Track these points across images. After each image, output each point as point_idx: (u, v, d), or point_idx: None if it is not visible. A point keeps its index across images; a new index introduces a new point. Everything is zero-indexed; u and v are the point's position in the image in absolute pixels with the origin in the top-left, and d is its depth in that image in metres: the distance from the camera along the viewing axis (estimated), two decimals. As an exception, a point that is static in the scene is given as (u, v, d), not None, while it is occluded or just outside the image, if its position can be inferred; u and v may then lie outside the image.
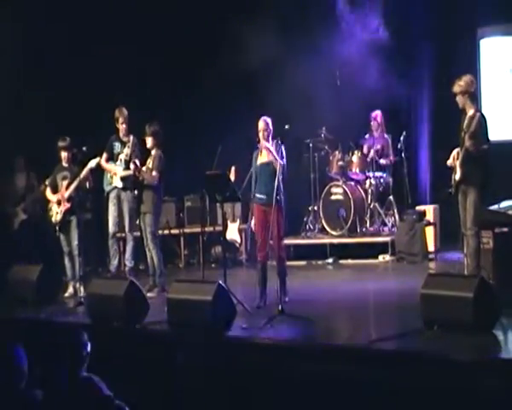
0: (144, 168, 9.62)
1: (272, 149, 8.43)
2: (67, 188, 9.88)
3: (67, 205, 9.84)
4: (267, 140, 8.50)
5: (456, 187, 8.09)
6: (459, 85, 8.06)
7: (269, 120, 8.57)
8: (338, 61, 11.80)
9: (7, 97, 11.24)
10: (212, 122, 12.06)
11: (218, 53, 11.85)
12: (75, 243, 9.76)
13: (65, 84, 11.58)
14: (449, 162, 8.17)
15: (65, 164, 10.04)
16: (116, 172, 10.00)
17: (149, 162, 9.65)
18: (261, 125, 8.55)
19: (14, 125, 11.25)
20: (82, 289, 9.44)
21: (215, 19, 12.14)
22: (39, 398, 4.99)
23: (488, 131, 8.06)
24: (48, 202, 10.10)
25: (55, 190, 10.05)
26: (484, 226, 7.90)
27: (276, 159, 8.31)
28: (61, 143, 9.99)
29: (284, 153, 8.41)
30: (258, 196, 8.54)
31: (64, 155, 9.97)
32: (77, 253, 9.72)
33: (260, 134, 8.53)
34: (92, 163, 9.76)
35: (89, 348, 5.18)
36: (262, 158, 8.56)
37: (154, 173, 9.60)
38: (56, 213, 9.89)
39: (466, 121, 8.04)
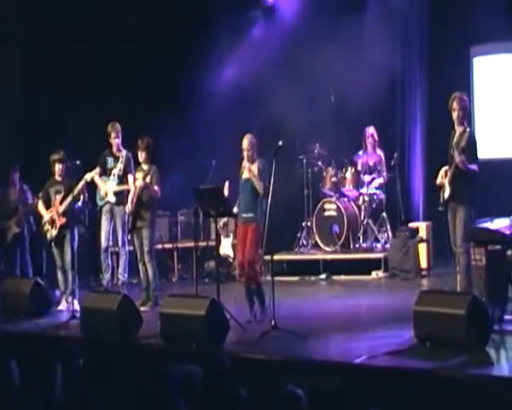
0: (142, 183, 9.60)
1: (254, 171, 8.47)
2: (62, 202, 9.88)
3: (63, 220, 9.83)
4: (251, 159, 8.56)
5: (445, 205, 8.13)
6: (457, 99, 8.09)
7: (252, 139, 8.61)
8: (332, 77, 11.84)
9: (2, 113, 11.26)
10: (206, 137, 12.09)
11: (211, 67, 11.90)
12: (68, 256, 9.76)
13: (60, 98, 11.61)
14: (437, 181, 8.21)
15: (58, 178, 10.04)
16: (107, 191, 9.98)
17: (145, 177, 9.60)
18: (244, 144, 8.60)
19: (9, 138, 11.26)
20: (75, 302, 9.42)
21: (206, 35, 12.19)
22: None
23: (477, 149, 8.12)
24: (41, 216, 10.10)
25: (47, 204, 10.04)
26: (476, 244, 7.93)
27: (257, 181, 8.39)
28: (54, 156, 10.00)
29: (266, 171, 8.36)
30: (240, 213, 8.61)
31: (58, 167, 9.97)
32: (70, 267, 9.72)
33: (244, 153, 8.59)
34: (88, 177, 9.78)
35: (80, 362, 5.19)
36: (244, 174, 8.62)
37: (155, 188, 9.61)
38: (52, 228, 9.89)
39: (456, 138, 8.09)
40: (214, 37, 12.01)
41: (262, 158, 8.57)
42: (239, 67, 11.55)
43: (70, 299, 9.67)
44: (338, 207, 11.98)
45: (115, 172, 10.01)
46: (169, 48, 12.39)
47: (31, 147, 11.23)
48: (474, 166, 8.00)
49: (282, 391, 4.57)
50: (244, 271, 8.57)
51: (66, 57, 11.90)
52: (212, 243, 11.41)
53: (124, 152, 10.06)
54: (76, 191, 9.74)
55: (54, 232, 9.87)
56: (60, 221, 9.84)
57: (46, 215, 9.97)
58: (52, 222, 9.90)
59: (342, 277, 11.56)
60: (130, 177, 9.86)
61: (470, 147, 8.02)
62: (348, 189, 12.23)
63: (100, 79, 11.91)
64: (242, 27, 11.91)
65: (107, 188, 9.96)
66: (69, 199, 9.78)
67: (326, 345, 7.67)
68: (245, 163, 8.62)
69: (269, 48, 11.73)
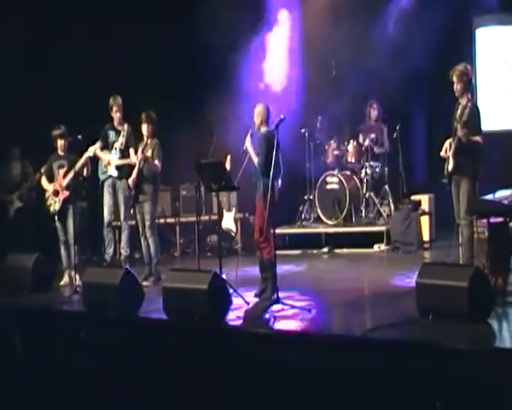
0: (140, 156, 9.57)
1: (249, 146, 8.44)
2: (65, 176, 9.86)
3: (66, 193, 9.81)
4: (258, 128, 8.45)
5: (449, 177, 8.12)
6: (457, 72, 8.06)
7: (259, 109, 8.45)
8: (335, 50, 11.78)
9: (3, 87, 11.21)
10: (207, 111, 12.05)
11: (212, 42, 11.82)
12: (71, 231, 9.75)
13: (60, 72, 11.56)
14: (442, 153, 8.20)
15: (61, 152, 10.02)
16: (110, 162, 9.97)
17: (147, 150, 9.59)
18: (253, 113, 8.51)
19: (10, 113, 11.22)
20: (77, 277, 9.43)
21: (211, 15, 12.10)
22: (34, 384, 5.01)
23: (481, 121, 8.08)
24: (44, 190, 10.08)
25: (50, 179, 10.02)
26: (479, 216, 7.92)
27: (252, 155, 8.38)
28: (55, 132, 9.97)
29: (263, 144, 8.23)
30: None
31: (60, 143, 9.95)
32: (73, 241, 9.71)
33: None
34: (90, 151, 9.76)
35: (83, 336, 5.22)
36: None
37: (156, 162, 9.58)
38: (55, 202, 9.88)
39: (459, 111, 8.06)
40: (215, 8, 11.89)
41: (266, 130, 8.35)
42: (240, 40, 11.47)
43: (72, 274, 9.68)
44: (340, 180, 11.97)
45: (117, 145, 10.00)
46: (169, 21, 12.31)
47: (32, 122, 11.19)
48: (477, 139, 7.98)
49: None
50: (257, 240, 8.37)
51: (66, 32, 11.82)
52: (215, 217, 11.42)
53: (125, 126, 10.03)
54: (78, 166, 9.72)
55: (57, 206, 9.86)
56: (63, 195, 9.82)
57: (49, 189, 9.95)
58: (55, 196, 9.89)
59: (344, 250, 11.58)
60: (131, 151, 9.84)
61: (473, 120, 7.99)
62: (350, 162, 12.20)
63: (100, 54, 11.85)
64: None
65: (110, 160, 9.95)
66: (72, 174, 9.75)
67: (328, 318, 7.69)
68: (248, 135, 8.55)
69: (271, 19, 11.65)
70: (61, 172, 9.92)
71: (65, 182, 9.84)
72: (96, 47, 11.85)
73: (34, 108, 11.37)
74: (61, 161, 9.99)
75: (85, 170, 9.82)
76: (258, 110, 8.48)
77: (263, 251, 8.35)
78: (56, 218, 9.92)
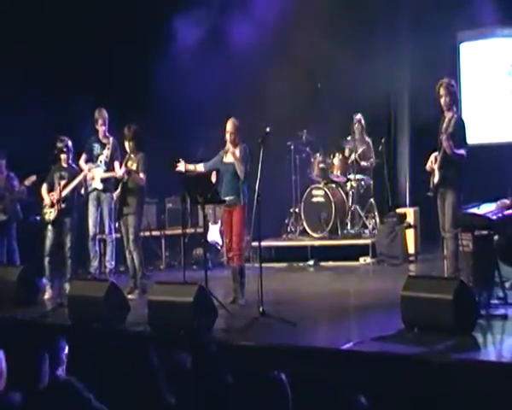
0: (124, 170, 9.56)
1: (237, 155, 8.65)
2: (64, 188, 9.83)
3: (63, 205, 9.78)
4: (233, 142, 8.69)
5: (434, 190, 8.15)
6: (444, 85, 8.12)
7: (236, 123, 8.73)
8: (320, 63, 11.81)
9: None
10: (193, 124, 12.05)
11: (202, 54, 11.83)
12: (68, 245, 9.74)
13: (47, 83, 11.53)
14: (427, 166, 8.23)
15: (64, 164, 10.01)
16: (95, 176, 9.96)
17: (132, 164, 9.58)
18: (228, 126, 8.73)
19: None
20: (65, 290, 9.36)
21: (186, 13, 12.09)
22: (18, 401, 4.97)
23: (466, 134, 8.13)
24: (42, 200, 10.06)
25: (51, 189, 10.01)
26: (464, 229, 7.95)
27: (240, 165, 8.58)
28: (58, 145, 9.94)
29: (247, 157, 8.60)
30: (222, 198, 8.66)
31: (63, 157, 9.94)
32: (69, 255, 9.72)
33: (227, 136, 8.71)
34: (85, 169, 9.88)
35: (66, 350, 5.19)
36: (227, 158, 8.75)
37: (141, 175, 9.55)
38: (50, 212, 9.87)
39: (444, 124, 8.11)
40: (194, 14, 11.87)
41: (244, 143, 8.69)
42: (224, 50, 11.48)
43: (66, 286, 9.57)
44: (326, 193, 11.99)
45: (102, 158, 10.00)
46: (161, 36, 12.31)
47: (18, 133, 11.14)
48: (461, 152, 8.02)
49: (266, 377, 4.56)
50: (233, 252, 8.70)
51: (57, 42, 11.82)
52: (200, 230, 11.40)
53: (111, 139, 10.04)
54: (77, 182, 9.78)
55: (52, 216, 9.84)
56: (59, 207, 9.79)
57: (47, 199, 9.94)
58: (52, 206, 9.88)
59: (330, 263, 11.57)
60: (116, 164, 9.83)
61: (458, 132, 8.04)
62: (336, 175, 12.23)
63: (90, 64, 11.86)
64: (227, 6, 11.81)
65: (94, 174, 9.96)
66: (71, 187, 9.79)
67: (314, 331, 7.69)
68: (228, 147, 8.69)
69: (256, 29, 11.65)
70: (62, 183, 9.91)
71: (63, 193, 9.82)
72: (85, 57, 11.85)
73: (20, 120, 11.32)
74: (63, 173, 9.99)
75: (83, 188, 9.90)
76: (235, 124, 8.72)
77: (240, 259, 8.66)
78: (50, 227, 9.89)
